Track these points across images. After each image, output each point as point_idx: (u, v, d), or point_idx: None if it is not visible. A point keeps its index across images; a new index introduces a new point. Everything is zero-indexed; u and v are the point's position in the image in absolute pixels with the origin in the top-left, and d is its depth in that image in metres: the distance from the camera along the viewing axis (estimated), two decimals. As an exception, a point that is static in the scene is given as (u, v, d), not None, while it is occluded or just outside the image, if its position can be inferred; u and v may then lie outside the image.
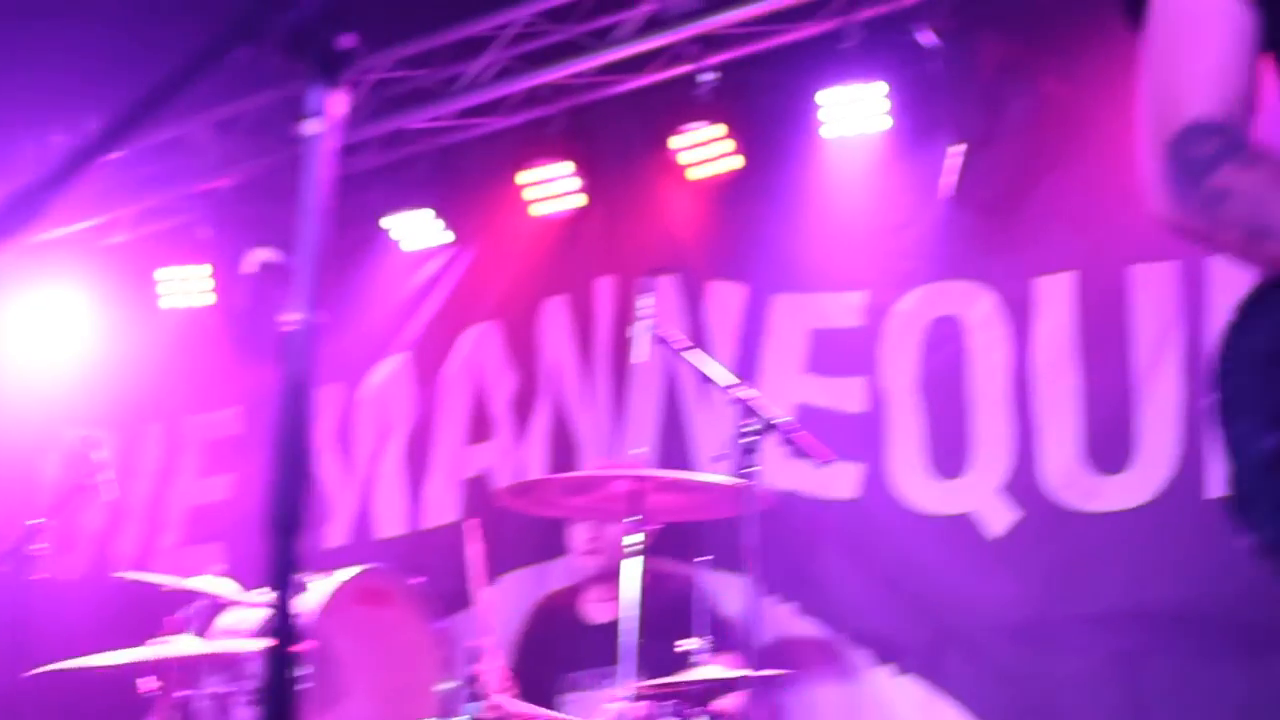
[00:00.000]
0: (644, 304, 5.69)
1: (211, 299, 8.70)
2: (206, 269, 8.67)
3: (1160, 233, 6.20)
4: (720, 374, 5.71)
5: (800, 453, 5.60)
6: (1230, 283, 6.04)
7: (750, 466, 5.41)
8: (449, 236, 8.06)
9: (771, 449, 5.63)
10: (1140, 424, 6.33)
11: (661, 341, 5.69)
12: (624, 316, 7.22)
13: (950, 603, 6.65)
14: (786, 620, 6.91)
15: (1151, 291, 6.34)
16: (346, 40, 2.14)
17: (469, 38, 7.64)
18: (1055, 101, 6.47)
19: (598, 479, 5.88)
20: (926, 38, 6.40)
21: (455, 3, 7.59)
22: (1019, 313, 6.63)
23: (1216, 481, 6.02)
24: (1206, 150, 2.27)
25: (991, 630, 6.51)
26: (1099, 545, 6.37)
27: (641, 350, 5.63)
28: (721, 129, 7.14)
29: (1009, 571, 6.53)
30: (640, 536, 5.54)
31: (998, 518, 6.57)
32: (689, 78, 7.24)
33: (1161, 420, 6.27)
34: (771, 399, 6.90)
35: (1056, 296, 6.55)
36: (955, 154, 6.47)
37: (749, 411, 5.46)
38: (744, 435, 5.44)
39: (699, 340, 7.27)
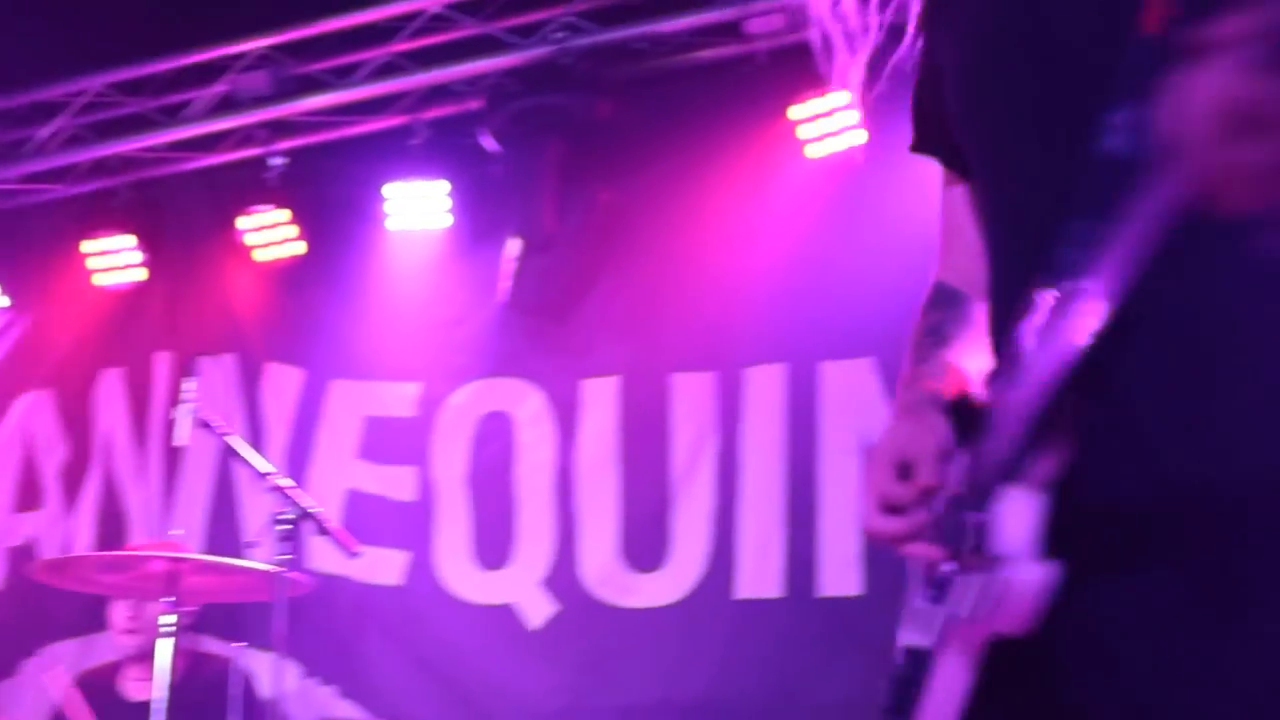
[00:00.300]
0: (188, 387, 5.70)
1: None
2: None
3: (700, 343, 6.59)
4: (259, 461, 5.76)
5: (333, 542, 5.69)
6: (761, 395, 6.49)
7: (284, 553, 5.47)
8: (5, 301, 7.88)
9: (310, 536, 5.72)
10: (675, 525, 6.64)
11: (204, 425, 5.70)
12: (179, 393, 7.18)
13: (489, 690, 6.82)
14: (327, 703, 6.97)
15: (690, 399, 6.68)
16: None
17: (40, 102, 7.55)
18: (610, 211, 6.77)
19: (135, 558, 5.84)
20: (489, 142, 6.62)
21: (28, 67, 7.48)
22: (566, 412, 6.89)
23: (745, 582, 6.40)
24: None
25: (529, 718, 6.71)
26: (633, 640, 6.63)
27: (183, 433, 5.63)
28: (286, 214, 7.22)
29: (546, 662, 6.74)
30: (175, 617, 5.54)
31: (537, 610, 6.78)
32: (259, 160, 7.31)
33: (695, 522, 6.60)
34: (324, 483, 7.05)
35: (601, 399, 6.84)
36: (512, 256, 6.69)
37: (285, 499, 5.53)
38: (280, 522, 5.50)
39: (255, 421, 7.33)
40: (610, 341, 6.85)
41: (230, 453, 5.61)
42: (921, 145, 2.32)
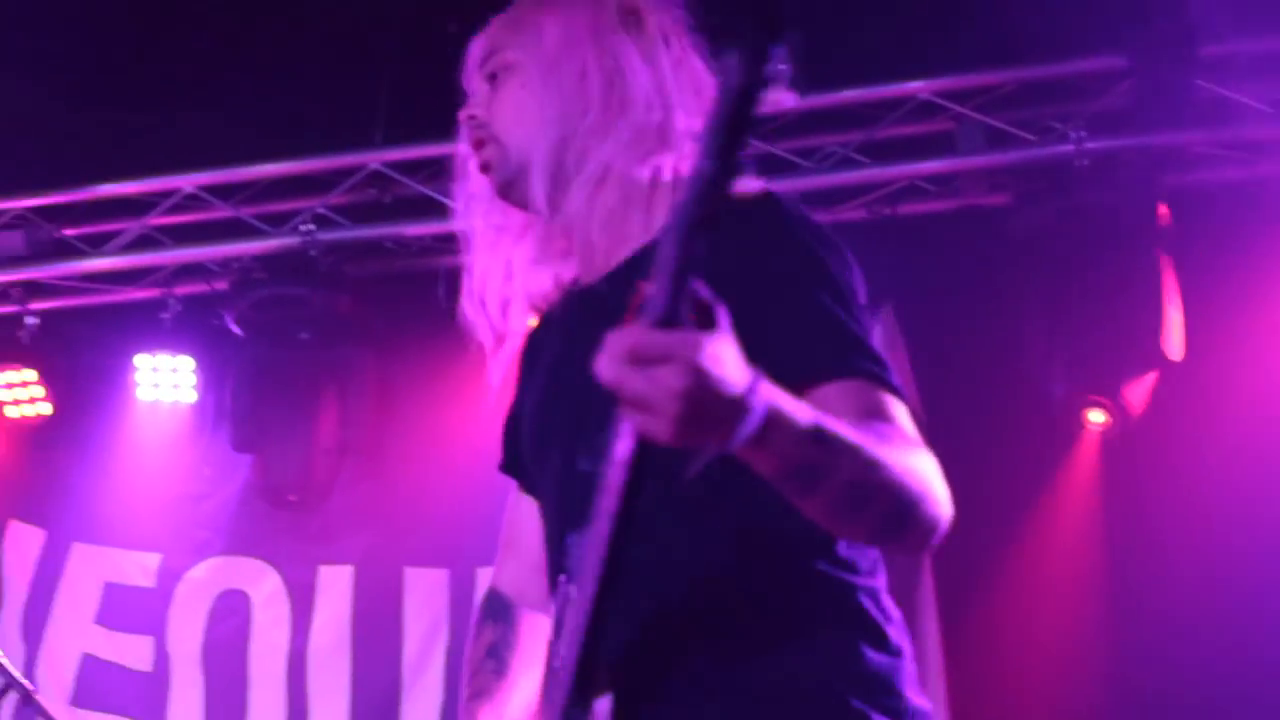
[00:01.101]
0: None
1: None
2: None
3: (436, 539, 6.67)
4: None
5: (40, 712, 5.69)
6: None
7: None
8: None
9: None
10: (405, 715, 6.77)
11: None
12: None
13: None
14: None
15: (423, 593, 6.81)
16: None
17: None
18: (353, 403, 6.87)
19: None
20: (234, 324, 6.71)
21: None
22: (302, 596, 6.99)
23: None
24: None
25: None
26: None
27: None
28: (33, 374, 7.26)
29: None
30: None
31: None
32: (14, 318, 7.32)
33: (425, 714, 6.74)
34: (60, 646, 7.09)
35: (337, 586, 6.95)
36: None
37: None
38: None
39: (-7, 579, 7.37)
40: (349, 530, 6.97)
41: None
42: (505, 467, 2.73)
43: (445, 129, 6.37)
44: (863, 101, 6.15)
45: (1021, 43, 5.98)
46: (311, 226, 6.65)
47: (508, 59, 2.55)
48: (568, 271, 2.61)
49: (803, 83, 5.76)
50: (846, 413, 2.03)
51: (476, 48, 2.63)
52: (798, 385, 2.02)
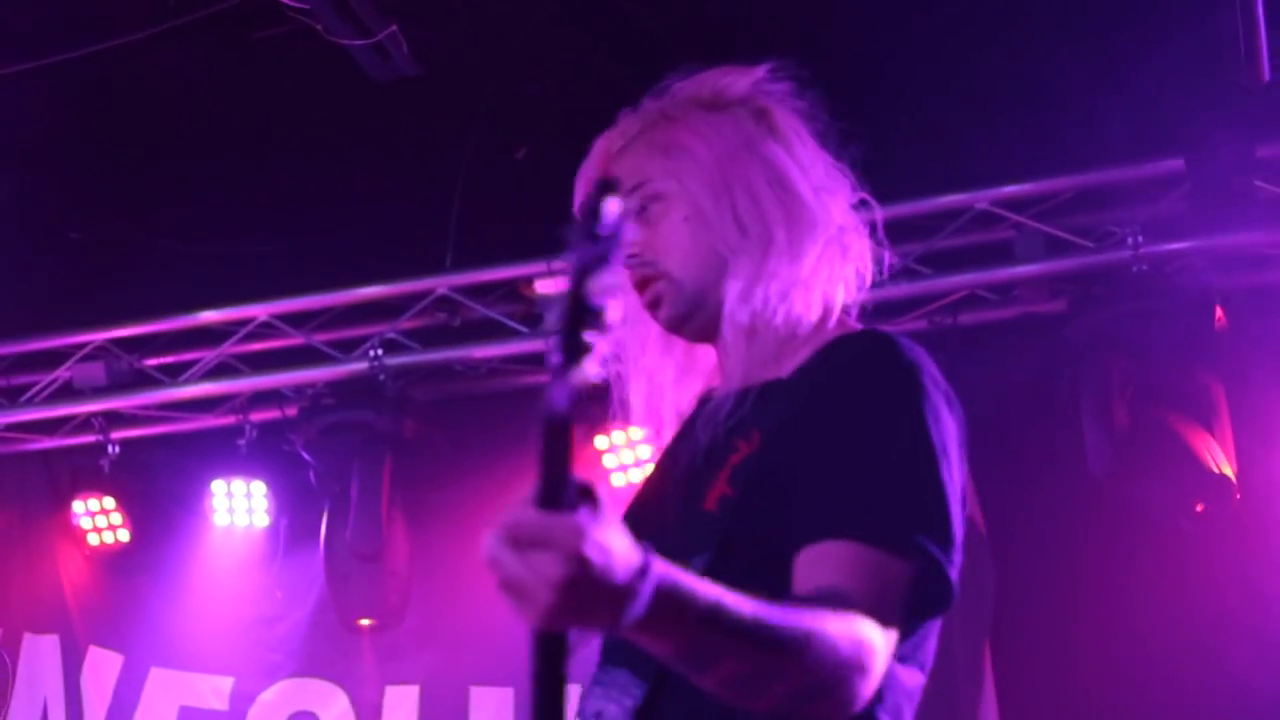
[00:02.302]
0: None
1: None
2: None
3: (499, 658, 6.77)
4: None
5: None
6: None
7: None
8: None
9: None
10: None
11: None
12: (2, 667, 7.43)
13: None
14: None
15: (487, 712, 6.92)
16: None
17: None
18: (419, 523, 7.01)
19: None
20: (303, 449, 6.91)
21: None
22: (369, 717, 7.12)
23: None
24: None
25: None
26: None
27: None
28: (112, 502, 7.48)
29: None
30: None
31: None
32: (95, 447, 7.57)
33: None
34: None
35: (404, 706, 7.07)
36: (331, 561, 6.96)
37: None
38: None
39: (72, 703, 7.55)
40: (415, 650, 7.10)
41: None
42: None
43: (512, 253, 6.66)
44: (922, 213, 6.28)
45: (1078, 149, 6.08)
46: (379, 351, 6.84)
47: (660, 189, 2.47)
48: (711, 382, 2.58)
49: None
50: (812, 582, 2.05)
51: (616, 147, 2.56)
52: (799, 539, 2.11)
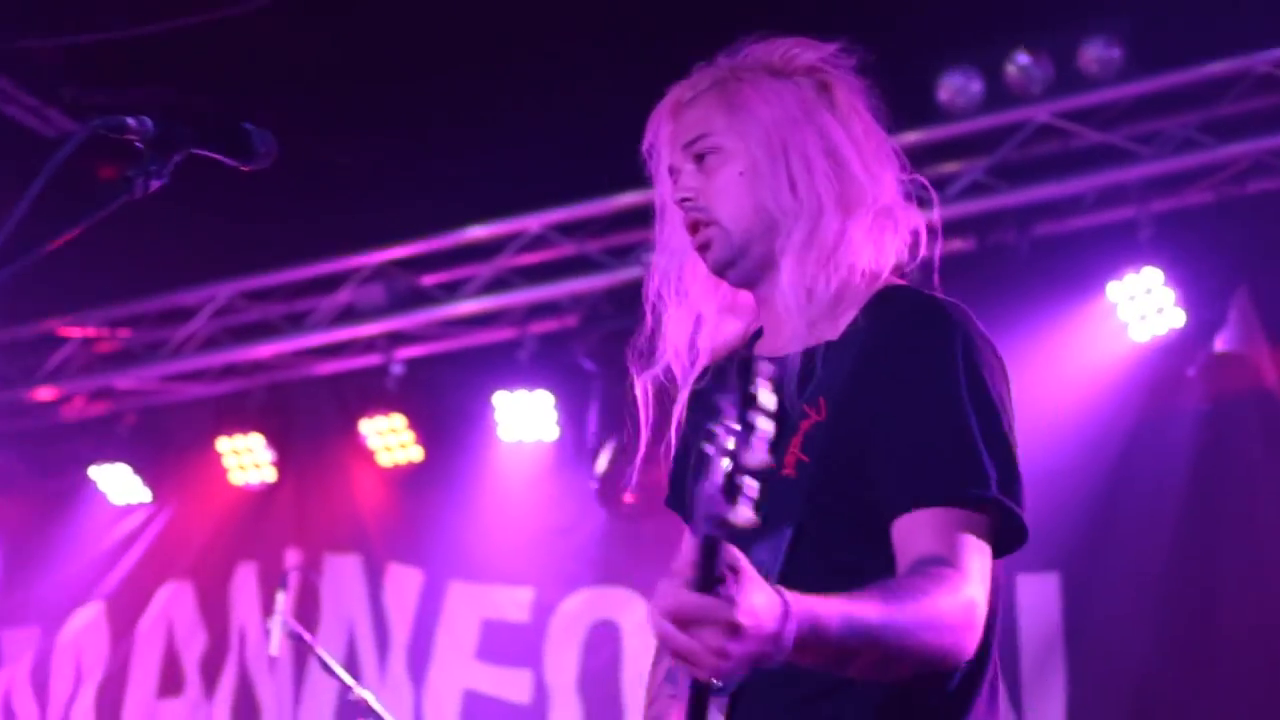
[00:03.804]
0: (279, 600, 6.12)
1: None
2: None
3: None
4: (344, 674, 6.03)
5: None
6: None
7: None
8: (147, 495, 8.53)
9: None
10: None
11: (294, 636, 6.10)
12: (308, 589, 7.74)
13: None
14: None
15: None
16: None
17: (175, 307, 8.21)
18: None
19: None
20: (585, 360, 7.06)
21: (164, 273, 8.13)
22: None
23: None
24: None
25: None
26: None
27: (275, 643, 6.07)
28: (403, 420, 7.75)
29: None
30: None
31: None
32: (380, 368, 7.86)
33: None
34: (444, 683, 7.55)
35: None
36: (606, 462, 7.13)
37: (366, 710, 5.82)
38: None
39: (378, 618, 7.88)
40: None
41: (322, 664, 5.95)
42: (672, 503, 2.87)
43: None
44: (1199, 81, 6.12)
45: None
46: (652, 256, 6.92)
47: (721, 143, 2.64)
48: (754, 325, 2.77)
49: (1135, 67, 5.86)
50: (915, 550, 2.34)
51: (675, 124, 2.72)
52: (890, 509, 2.38)
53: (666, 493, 2.89)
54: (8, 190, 7.27)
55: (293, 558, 8.10)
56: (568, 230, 7.27)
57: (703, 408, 2.65)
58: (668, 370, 2.80)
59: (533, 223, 7.27)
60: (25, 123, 7.23)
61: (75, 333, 8.42)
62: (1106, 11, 6.32)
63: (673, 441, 2.82)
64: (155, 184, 2.44)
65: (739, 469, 1.90)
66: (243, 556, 8.35)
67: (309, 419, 8.25)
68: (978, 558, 2.35)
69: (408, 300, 7.63)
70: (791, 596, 2.05)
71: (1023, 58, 6.45)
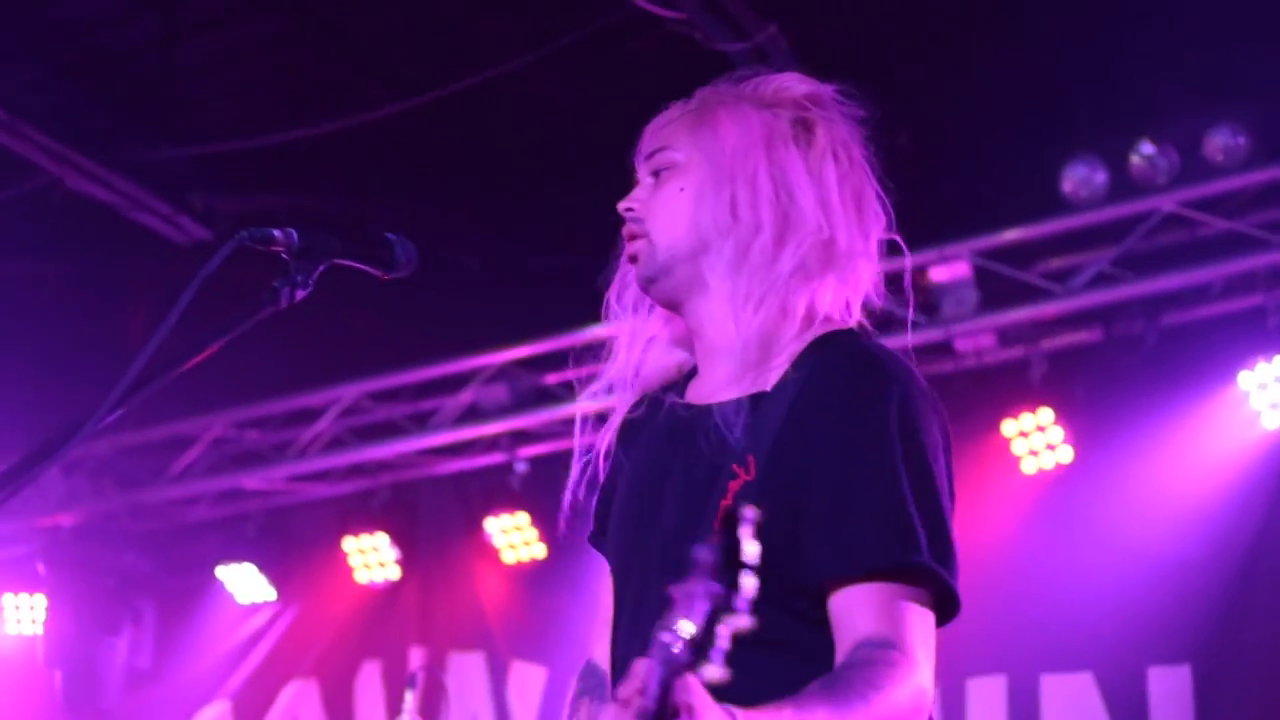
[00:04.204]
0: (407, 699, 6.15)
1: (40, 630, 9.15)
2: (41, 600, 9.17)
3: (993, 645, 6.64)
4: None
5: None
6: (982, 708, 6.71)
7: None
8: (272, 594, 8.65)
9: None
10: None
11: None
12: (434, 686, 7.78)
13: None
14: None
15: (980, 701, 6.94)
16: None
17: (302, 408, 8.35)
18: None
19: None
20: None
21: (291, 373, 8.28)
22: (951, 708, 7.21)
23: None
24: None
25: None
26: None
27: (404, 742, 6.10)
28: (525, 518, 7.81)
29: None
30: None
31: None
32: (504, 466, 7.94)
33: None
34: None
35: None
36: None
37: None
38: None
39: (503, 718, 7.91)
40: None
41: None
42: (595, 539, 2.84)
43: (898, 242, 6.70)
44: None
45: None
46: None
47: (674, 158, 2.63)
48: (690, 362, 2.71)
49: (1261, 155, 5.84)
50: (857, 630, 2.29)
51: (648, 136, 2.71)
52: (827, 579, 2.33)
53: (591, 528, 2.85)
54: (140, 294, 7.51)
55: (417, 656, 8.16)
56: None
57: (633, 441, 2.72)
58: (609, 389, 2.80)
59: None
60: (157, 230, 7.41)
61: (203, 434, 8.56)
62: (1231, 99, 6.31)
63: (600, 469, 2.78)
64: (300, 294, 2.47)
65: (715, 627, 1.85)
66: (367, 655, 8.42)
67: (433, 517, 8.34)
68: (921, 635, 2.32)
69: (531, 399, 7.71)
70: (739, 713, 2.02)
71: (1147, 148, 6.45)
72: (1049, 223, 6.61)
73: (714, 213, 2.56)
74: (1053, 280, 6.63)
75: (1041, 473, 6.69)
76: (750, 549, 1.86)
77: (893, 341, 6.62)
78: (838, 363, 2.47)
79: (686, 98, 2.73)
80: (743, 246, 2.53)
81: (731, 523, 1.87)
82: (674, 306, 2.66)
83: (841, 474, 2.36)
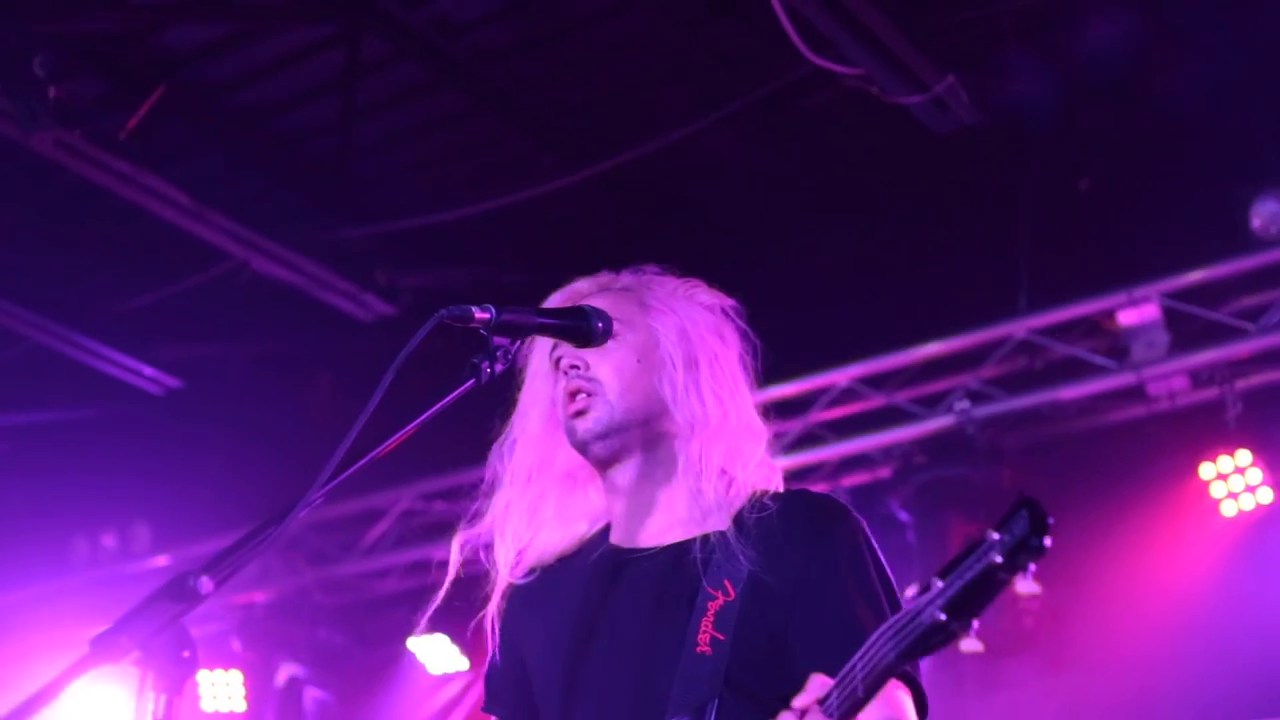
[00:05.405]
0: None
1: (243, 705, 9.40)
2: (238, 676, 9.40)
3: (1122, 700, 6.65)
4: None
5: None
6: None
7: None
8: (465, 663, 8.78)
9: None
10: None
11: None
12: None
13: None
14: None
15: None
16: None
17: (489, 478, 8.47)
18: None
19: None
20: (899, 511, 7.12)
21: (475, 443, 8.41)
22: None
23: None
24: None
25: None
26: None
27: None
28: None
29: None
30: None
31: None
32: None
33: None
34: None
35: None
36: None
37: None
38: None
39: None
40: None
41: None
42: (490, 707, 2.96)
43: (1085, 287, 6.70)
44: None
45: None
46: (966, 404, 6.99)
47: (623, 330, 2.81)
48: (589, 530, 2.90)
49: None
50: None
51: (592, 291, 2.92)
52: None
53: (483, 698, 2.97)
54: (326, 370, 7.68)
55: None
56: (875, 383, 7.35)
57: (537, 603, 2.88)
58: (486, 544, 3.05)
59: (840, 377, 7.37)
60: (342, 308, 7.61)
61: (391, 507, 8.75)
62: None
63: (491, 634, 2.97)
64: (499, 368, 2.55)
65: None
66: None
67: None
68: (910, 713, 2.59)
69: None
70: None
71: (1335, 181, 6.40)
72: (1238, 260, 6.57)
73: (672, 380, 2.78)
74: (1245, 318, 6.58)
75: (1242, 515, 6.63)
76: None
77: (1085, 389, 6.76)
78: (806, 507, 2.77)
79: (589, 278, 2.99)
80: (691, 418, 2.77)
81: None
82: (611, 463, 2.82)
83: (833, 599, 2.62)
